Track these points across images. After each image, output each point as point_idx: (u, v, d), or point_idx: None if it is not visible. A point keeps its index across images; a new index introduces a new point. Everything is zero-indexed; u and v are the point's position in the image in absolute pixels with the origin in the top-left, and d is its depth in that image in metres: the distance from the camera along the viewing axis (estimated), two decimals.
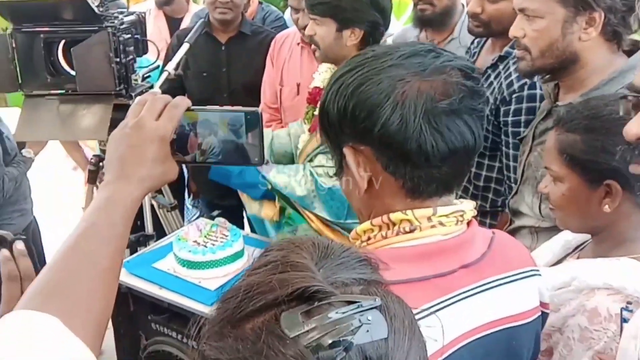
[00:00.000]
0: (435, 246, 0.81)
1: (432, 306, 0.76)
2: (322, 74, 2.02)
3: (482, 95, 0.82)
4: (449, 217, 0.82)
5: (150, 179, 0.80)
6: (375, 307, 0.49)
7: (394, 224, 0.82)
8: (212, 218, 1.80)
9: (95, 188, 2.39)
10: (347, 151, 0.82)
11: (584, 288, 1.07)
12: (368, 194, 0.83)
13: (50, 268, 0.71)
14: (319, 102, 0.87)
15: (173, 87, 2.57)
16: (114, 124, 1.96)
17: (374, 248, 0.81)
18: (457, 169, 0.83)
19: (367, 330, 0.47)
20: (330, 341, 0.46)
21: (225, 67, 2.67)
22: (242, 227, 2.88)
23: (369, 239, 0.84)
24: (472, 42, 2.20)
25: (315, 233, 1.97)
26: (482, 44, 2.13)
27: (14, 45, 1.70)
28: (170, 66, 2.23)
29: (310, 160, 1.95)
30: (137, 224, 2.20)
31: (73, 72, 1.76)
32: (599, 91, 1.39)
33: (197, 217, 3.39)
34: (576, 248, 1.28)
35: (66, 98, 1.78)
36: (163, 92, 2.45)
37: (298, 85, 2.42)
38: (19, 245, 0.88)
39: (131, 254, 2.26)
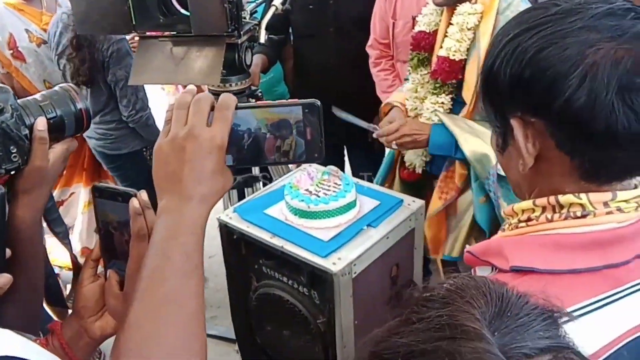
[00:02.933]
0: (610, 234, 0.74)
1: (597, 300, 0.71)
2: (427, 17, 1.92)
3: None
4: (629, 203, 0.75)
5: (212, 195, 0.74)
6: None
7: (562, 207, 0.75)
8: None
9: None
10: (515, 123, 0.76)
11: None
12: (533, 171, 0.77)
13: (134, 314, 0.67)
14: (483, 63, 0.80)
15: (278, 22, 2.57)
16: (224, 65, 2.01)
17: (536, 231, 0.76)
18: None
19: None
20: None
21: (332, 0, 2.60)
22: (343, 167, 2.90)
23: (529, 219, 0.78)
24: None
25: None
26: None
27: None
28: (278, 0, 2.21)
29: None
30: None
31: (185, 12, 1.79)
32: None
33: None
34: None
35: (179, 40, 1.82)
36: (267, 27, 2.44)
37: (414, 18, 2.32)
38: (144, 196, 0.86)
39: (239, 196, 2.36)
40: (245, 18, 2.05)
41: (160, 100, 4.19)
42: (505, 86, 0.75)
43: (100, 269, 0.97)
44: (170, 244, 0.70)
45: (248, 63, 2.12)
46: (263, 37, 2.13)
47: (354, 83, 2.64)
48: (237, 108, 0.77)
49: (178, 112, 0.75)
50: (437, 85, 1.85)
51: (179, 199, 0.72)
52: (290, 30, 2.76)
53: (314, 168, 1.81)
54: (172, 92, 4.11)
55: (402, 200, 1.73)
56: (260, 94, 2.22)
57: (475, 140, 1.78)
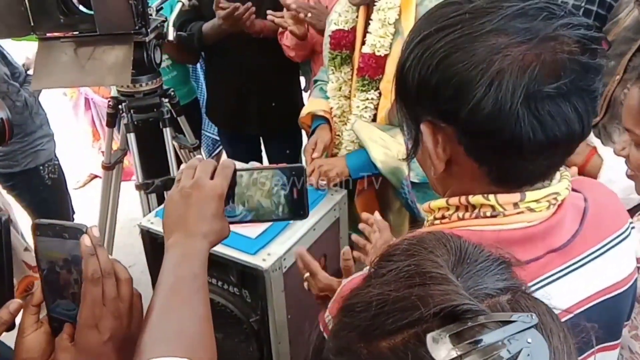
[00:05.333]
0: (519, 233, 0.75)
1: None
2: (343, 15, 1.94)
3: (599, 72, 0.71)
4: (540, 202, 0.75)
5: (212, 234, 0.87)
6: (533, 326, 0.46)
7: (474, 207, 0.77)
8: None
9: (114, 131, 2.44)
10: (424, 127, 0.75)
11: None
12: (445, 173, 0.78)
13: (157, 316, 0.79)
14: (399, 61, 0.78)
15: (189, 20, 2.54)
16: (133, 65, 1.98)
17: (449, 228, 0.77)
18: (555, 161, 0.76)
19: (528, 355, 0.44)
20: None
21: None
22: (261, 160, 2.93)
23: (443, 217, 0.81)
24: None
25: None
26: None
27: None
28: None
29: None
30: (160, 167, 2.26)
31: (87, 11, 1.76)
32: None
33: (218, 152, 3.45)
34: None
35: (83, 40, 1.78)
36: (180, 26, 2.40)
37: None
38: (95, 232, 0.86)
39: (158, 199, 2.33)
40: (151, 15, 2.04)
41: (61, 106, 4.02)
42: (414, 90, 0.74)
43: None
44: (180, 268, 0.84)
45: (157, 62, 2.11)
46: (172, 35, 2.12)
47: (275, 79, 2.66)
48: (236, 170, 0.91)
49: (187, 170, 0.91)
50: (365, 82, 1.89)
51: (185, 235, 0.86)
52: (202, 27, 2.71)
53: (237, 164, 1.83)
54: (75, 97, 3.94)
55: (325, 191, 1.79)
56: (172, 93, 2.20)
57: (386, 152, 1.84)
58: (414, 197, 1.83)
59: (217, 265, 1.67)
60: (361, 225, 1.45)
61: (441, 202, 0.81)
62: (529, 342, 0.45)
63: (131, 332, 0.84)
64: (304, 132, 2.76)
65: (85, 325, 0.82)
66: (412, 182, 1.82)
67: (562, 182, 0.78)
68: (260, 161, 2.92)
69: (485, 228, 0.75)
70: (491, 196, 0.75)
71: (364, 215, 1.45)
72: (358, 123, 1.88)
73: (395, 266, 0.52)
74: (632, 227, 0.87)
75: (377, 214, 1.43)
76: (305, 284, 1.39)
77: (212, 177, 0.90)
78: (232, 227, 0.92)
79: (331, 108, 2.02)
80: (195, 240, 0.86)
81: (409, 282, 0.50)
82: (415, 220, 1.95)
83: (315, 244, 1.70)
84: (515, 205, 0.75)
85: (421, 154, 0.81)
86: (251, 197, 0.92)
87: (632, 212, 1.25)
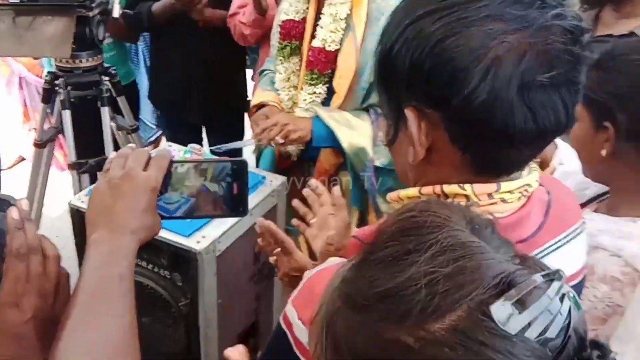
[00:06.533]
0: None
1: None
2: (294, 5, 1.95)
3: (587, 64, 0.72)
4: (513, 193, 0.76)
5: (142, 230, 0.81)
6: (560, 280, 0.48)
7: (447, 197, 0.76)
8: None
9: (49, 108, 2.38)
10: (409, 112, 0.73)
11: (590, 244, 1.08)
12: (423, 161, 0.76)
13: (75, 322, 0.73)
14: (380, 43, 0.77)
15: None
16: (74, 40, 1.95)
17: None
18: (538, 150, 0.77)
19: (571, 308, 0.47)
20: (557, 330, 0.45)
21: None
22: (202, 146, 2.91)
23: None
24: None
25: None
26: None
27: None
28: None
29: None
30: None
31: None
32: None
33: (158, 135, 3.41)
34: (595, 198, 1.33)
35: (22, 9, 1.75)
36: (130, 5, 2.35)
37: None
38: (24, 205, 0.84)
39: (91, 180, 2.29)
40: None
41: None
42: (403, 74, 0.73)
43: None
44: (105, 269, 0.77)
45: (100, 38, 2.08)
46: (117, 11, 2.10)
47: (221, 67, 2.67)
48: (172, 162, 0.86)
49: (118, 159, 0.84)
50: (314, 76, 1.90)
51: (110, 231, 0.79)
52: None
53: (175, 147, 1.83)
54: (7, 75, 3.80)
55: (264, 178, 1.81)
56: (114, 72, 2.18)
57: (352, 133, 1.85)
58: (375, 181, 1.84)
59: (149, 247, 1.66)
60: (306, 191, 1.36)
61: (413, 191, 0.79)
62: (571, 296, 0.47)
63: (55, 313, 0.80)
64: (247, 124, 2.78)
65: (5, 302, 0.79)
66: (375, 167, 1.83)
67: (532, 174, 0.80)
68: None
69: None
70: (467, 186, 0.75)
71: (313, 181, 1.37)
72: (319, 108, 1.89)
73: (436, 238, 0.50)
74: (584, 224, 0.92)
75: (336, 189, 1.34)
76: (273, 259, 1.31)
77: (145, 168, 0.83)
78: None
79: (281, 100, 2.03)
80: (122, 237, 0.79)
81: (453, 255, 0.49)
82: (364, 220, 1.97)
83: (252, 230, 1.72)
84: (490, 195, 0.75)
85: (397, 142, 0.80)
86: (188, 190, 0.88)
87: (583, 206, 1.31)
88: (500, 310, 0.45)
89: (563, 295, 0.47)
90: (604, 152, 1.15)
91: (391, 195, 0.83)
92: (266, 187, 1.80)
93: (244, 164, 0.88)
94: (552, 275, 0.48)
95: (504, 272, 0.47)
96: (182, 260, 1.63)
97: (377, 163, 1.84)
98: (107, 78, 2.17)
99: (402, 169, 0.83)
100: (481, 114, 0.68)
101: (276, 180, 1.83)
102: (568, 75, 0.70)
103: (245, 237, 1.71)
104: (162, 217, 0.87)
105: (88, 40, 2.01)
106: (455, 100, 0.68)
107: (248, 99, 2.85)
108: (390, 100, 0.78)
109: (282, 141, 1.83)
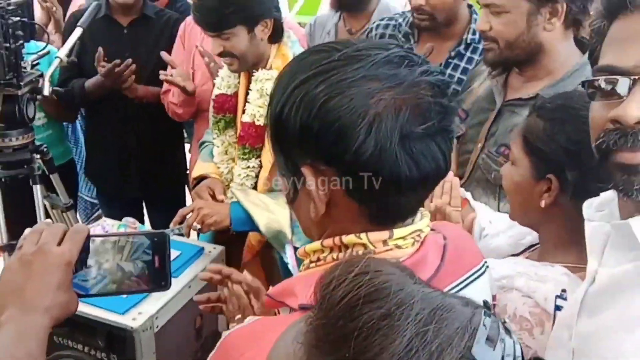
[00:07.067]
0: None
1: None
2: (226, 79, 2.01)
3: (455, 114, 0.81)
4: (406, 239, 0.81)
5: (56, 307, 0.80)
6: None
7: (347, 247, 0.80)
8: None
9: None
10: (306, 170, 0.78)
11: (506, 286, 1.13)
12: (323, 215, 0.80)
13: None
14: (270, 107, 0.82)
15: (70, 77, 2.54)
16: (2, 118, 1.92)
17: (324, 270, 0.78)
18: (424, 195, 0.83)
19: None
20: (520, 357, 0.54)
21: (128, 52, 2.63)
22: (143, 222, 2.86)
23: (318, 259, 0.83)
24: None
25: None
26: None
27: None
28: (62, 52, 2.20)
29: None
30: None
31: None
32: (563, 83, 1.55)
33: (97, 212, 3.33)
34: (529, 248, 1.36)
35: None
36: (60, 83, 2.37)
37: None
38: None
39: None
40: (25, 69, 2.00)
41: None
42: (294, 135, 0.77)
43: None
44: (13, 349, 0.75)
45: (30, 116, 2.05)
46: (47, 90, 2.08)
47: (158, 140, 2.67)
48: (90, 236, 0.84)
49: (32, 235, 0.83)
50: (246, 150, 1.94)
51: (21, 310, 0.78)
52: (85, 84, 2.69)
53: (109, 222, 1.79)
54: None
55: (202, 249, 1.78)
56: (45, 149, 2.14)
57: (270, 216, 1.88)
58: (295, 262, 1.85)
59: (83, 328, 1.60)
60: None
61: (316, 245, 0.83)
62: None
63: None
64: (188, 196, 2.76)
65: None
66: (294, 247, 1.85)
67: (423, 220, 0.85)
68: None
69: None
70: (363, 235, 0.79)
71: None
72: (236, 189, 1.92)
73: (404, 312, 0.52)
74: (487, 266, 0.95)
75: (246, 273, 1.38)
76: (239, 316, 1.32)
77: (60, 243, 0.82)
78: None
79: (221, 173, 2.05)
80: (34, 316, 0.77)
81: (428, 311, 0.52)
82: None
83: (190, 303, 1.67)
84: (385, 242, 0.79)
85: (298, 200, 0.83)
86: (107, 265, 0.85)
87: (518, 255, 1.35)
88: (481, 351, 0.50)
89: (506, 328, 0.53)
90: (543, 204, 1.17)
91: (299, 252, 0.86)
92: (205, 258, 1.76)
93: (164, 237, 0.86)
94: (488, 309, 0.54)
95: (466, 315, 0.52)
96: (119, 340, 1.56)
97: (297, 244, 1.87)
98: (38, 156, 2.12)
99: (305, 225, 0.87)
100: (371, 166, 0.74)
101: (215, 251, 1.80)
102: (441, 125, 0.76)
103: (184, 311, 1.66)
104: (79, 295, 0.84)
105: (18, 119, 1.98)
106: (346, 156, 0.73)
107: (187, 171, 2.85)
108: (287, 161, 0.81)
109: (199, 227, 1.85)
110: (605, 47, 0.87)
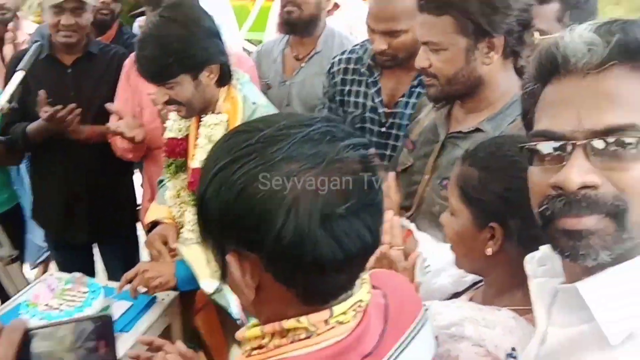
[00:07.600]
0: (332, 349, 0.78)
1: None
2: (176, 123, 1.98)
3: (380, 187, 0.79)
4: (347, 314, 0.80)
5: None
6: None
7: (288, 331, 0.79)
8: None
9: None
10: (230, 258, 0.77)
11: (456, 335, 1.12)
12: (256, 300, 0.80)
13: None
14: (197, 192, 0.81)
15: (13, 122, 2.47)
16: None
17: (267, 357, 0.80)
18: (355, 272, 0.82)
19: None
20: None
21: (72, 91, 2.58)
22: (93, 270, 2.79)
23: (260, 347, 0.81)
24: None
25: None
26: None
27: None
28: (3, 99, 2.12)
29: None
30: None
31: None
32: (502, 115, 1.58)
33: (47, 256, 3.23)
34: (472, 286, 1.35)
35: None
36: (3, 129, 2.30)
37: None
38: None
39: None
40: None
41: None
42: (216, 221, 0.77)
43: None
44: None
45: None
46: None
47: (106, 180, 2.62)
48: (28, 330, 0.79)
49: None
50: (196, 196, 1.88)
51: None
52: (29, 127, 2.62)
53: (55, 277, 1.74)
54: None
55: (155, 297, 1.75)
56: None
57: (213, 272, 1.80)
58: (244, 318, 1.80)
59: None
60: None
61: (256, 331, 0.82)
62: None
63: None
64: (141, 236, 2.70)
65: None
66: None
67: (363, 288, 0.84)
68: (92, 270, 2.77)
69: (301, 352, 0.78)
70: (303, 318, 0.78)
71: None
72: (181, 245, 1.87)
73: None
74: (426, 310, 0.95)
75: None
76: None
77: None
78: None
79: (174, 216, 2.01)
80: None
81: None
82: None
83: None
84: (326, 322, 0.78)
85: (231, 282, 0.82)
86: (49, 357, 0.80)
87: (461, 294, 1.35)
88: None
89: None
90: (489, 252, 1.17)
91: (237, 335, 0.84)
92: (158, 306, 1.73)
93: (108, 319, 0.82)
94: None
95: None
96: None
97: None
98: None
99: (244, 306, 0.85)
100: (292, 250, 0.72)
101: (168, 298, 1.77)
102: (365, 201, 0.76)
103: None
104: None
105: None
106: (267, 242, 0.73)
107: (138, 207, 2.80)
108: (214, 245, 0.80)
109: (144, 290, 1.79)
110: (539, 112, 0.86)
